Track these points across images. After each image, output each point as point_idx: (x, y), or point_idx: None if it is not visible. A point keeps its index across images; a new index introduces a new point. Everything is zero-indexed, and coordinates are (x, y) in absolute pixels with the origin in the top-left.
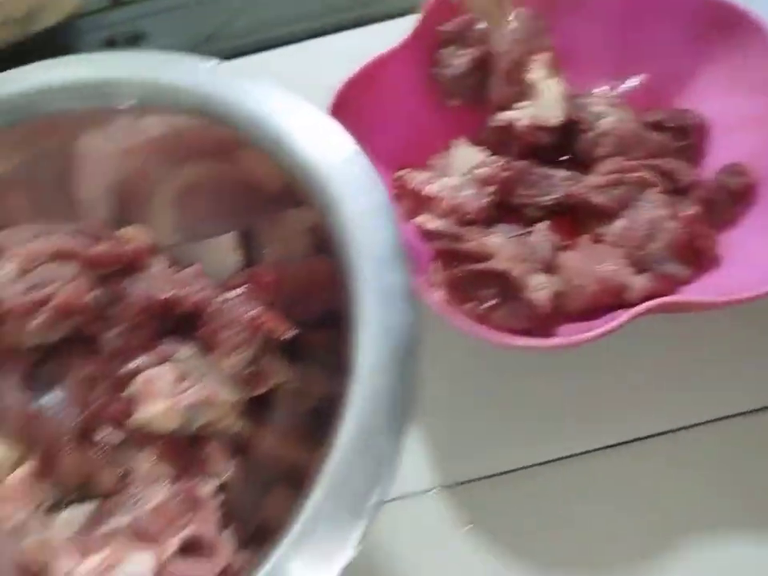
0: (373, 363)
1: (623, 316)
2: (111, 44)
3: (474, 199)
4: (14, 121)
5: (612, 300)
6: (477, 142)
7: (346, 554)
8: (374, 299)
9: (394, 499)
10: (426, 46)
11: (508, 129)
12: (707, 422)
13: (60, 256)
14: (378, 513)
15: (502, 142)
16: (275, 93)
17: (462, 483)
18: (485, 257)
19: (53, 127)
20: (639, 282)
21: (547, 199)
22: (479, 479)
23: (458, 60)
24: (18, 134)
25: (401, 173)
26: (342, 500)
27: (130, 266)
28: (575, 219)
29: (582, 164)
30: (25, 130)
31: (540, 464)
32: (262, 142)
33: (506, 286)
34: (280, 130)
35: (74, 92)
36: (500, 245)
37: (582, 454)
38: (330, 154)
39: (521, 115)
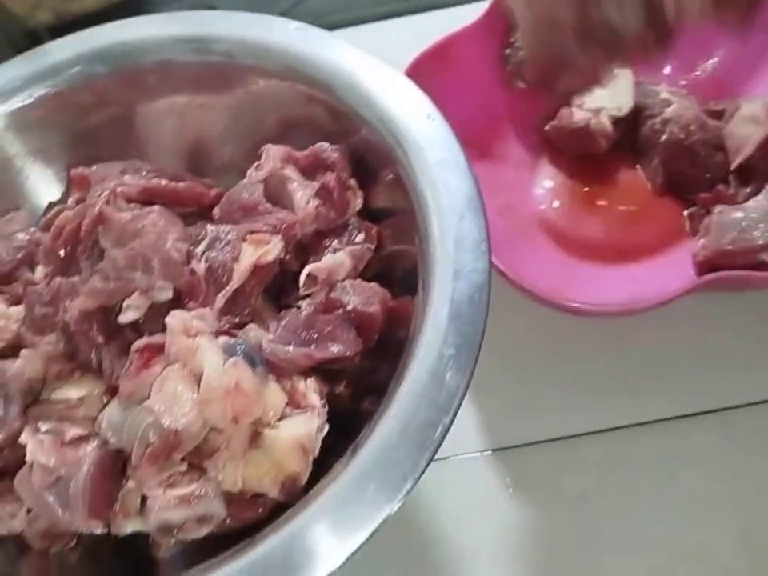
0: (443, 306)
1: (681, 287)
2: None
3: None
4: (114, 68)
5: None
6: None
7: (408, 486)
8: (448, 247)
9: (440, 459)
10: (498, 26)
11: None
12: (751, 404)
13: (146, 193)
14: (441, 444)
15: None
16: (361, 55)
17: (507, 448)
18: None
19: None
20: None
21: None
22: (523, 445)
23: None
24: (114, 83)
25: None
26: (410, 430)
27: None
28: None
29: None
30: (121, 79)
31: (582, 434)
32: (348, 99)
33: None
34: (366, 88)
35: (174, 45)
36: None
37: (624, 427)
38: (410, 111)
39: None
